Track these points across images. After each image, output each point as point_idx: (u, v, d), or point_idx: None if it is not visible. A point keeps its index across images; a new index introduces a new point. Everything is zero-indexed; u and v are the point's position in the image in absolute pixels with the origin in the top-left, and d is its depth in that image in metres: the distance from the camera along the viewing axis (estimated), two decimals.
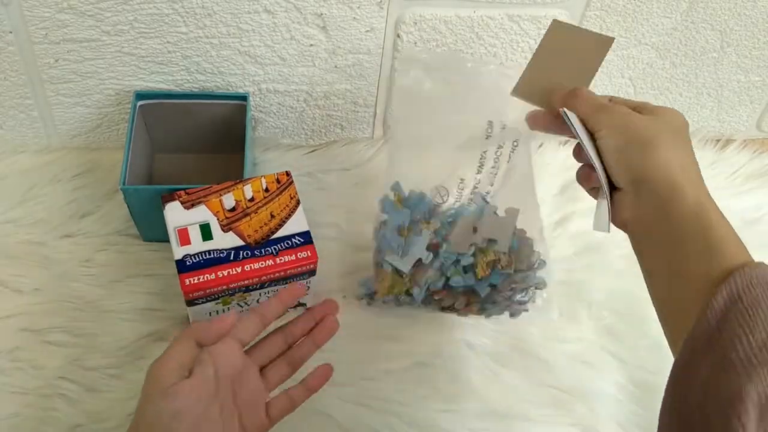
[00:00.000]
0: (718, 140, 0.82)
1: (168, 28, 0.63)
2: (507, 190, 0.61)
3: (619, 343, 0.67)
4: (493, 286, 0.59)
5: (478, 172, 0.60)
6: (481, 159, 0.60)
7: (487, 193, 0.61)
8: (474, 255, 0.59)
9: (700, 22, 0.71)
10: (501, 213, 0.60)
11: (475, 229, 0.59)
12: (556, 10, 0.67)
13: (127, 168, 0.62)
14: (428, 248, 0.59)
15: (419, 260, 0.59)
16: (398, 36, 0.67)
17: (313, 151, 0.77)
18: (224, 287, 0.55)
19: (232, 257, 0.56)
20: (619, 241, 0.72)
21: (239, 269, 0.55)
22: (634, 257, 0.72)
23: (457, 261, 0.59)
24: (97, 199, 0.69)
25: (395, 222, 0.60)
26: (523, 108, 0.54)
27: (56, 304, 0.63)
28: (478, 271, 0.59)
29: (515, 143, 0.59)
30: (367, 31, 0.66)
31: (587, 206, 0.75)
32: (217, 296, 0.56)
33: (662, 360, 0.65)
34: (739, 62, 0.76)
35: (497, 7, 0.66)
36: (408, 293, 0.60)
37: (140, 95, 0.66)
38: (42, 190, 0.69)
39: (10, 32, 0.61)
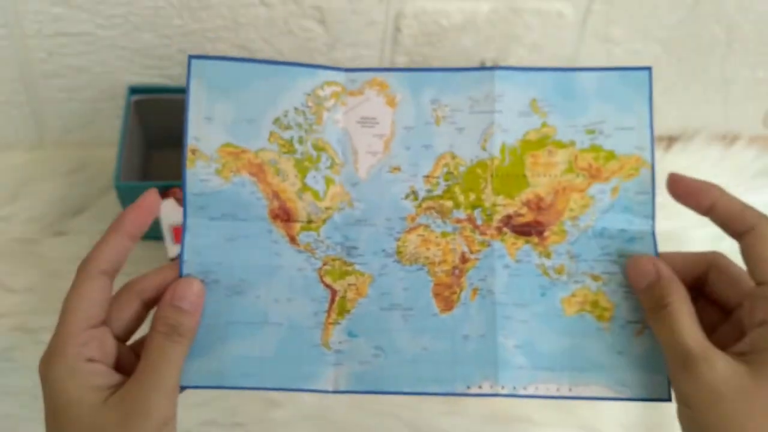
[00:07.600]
0: (724, 137, 0.81)
1: (163, 21, 0.62)
2: None
3: None
4: None
5: None
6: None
7: None
8: None
9: (707, 16, 0.70)
10: None
11: None
12: (560, 4, 0.66)
13: (120, 164, 0.61)
14: None
15: None
16: (399, 29, 0.66)
17: None
18: None
19: None
20: None
21: None
22: None
23: None
24: (90, 196, 0.69)
25: None
26: None
27: (49, 303, 0.62)
28: None
29: None
30: (367, 24, 0.65)
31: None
32: None
33: None
34: (746, 58, 0.75)
35: (501, 0, 0.65)
36: None
37: (134, 90, 0.65)
38: (34, 187, 0.68)
39: (3, 26, 0.60)
